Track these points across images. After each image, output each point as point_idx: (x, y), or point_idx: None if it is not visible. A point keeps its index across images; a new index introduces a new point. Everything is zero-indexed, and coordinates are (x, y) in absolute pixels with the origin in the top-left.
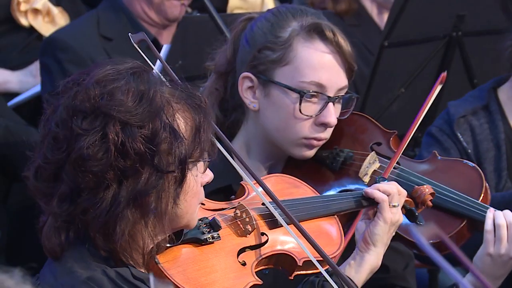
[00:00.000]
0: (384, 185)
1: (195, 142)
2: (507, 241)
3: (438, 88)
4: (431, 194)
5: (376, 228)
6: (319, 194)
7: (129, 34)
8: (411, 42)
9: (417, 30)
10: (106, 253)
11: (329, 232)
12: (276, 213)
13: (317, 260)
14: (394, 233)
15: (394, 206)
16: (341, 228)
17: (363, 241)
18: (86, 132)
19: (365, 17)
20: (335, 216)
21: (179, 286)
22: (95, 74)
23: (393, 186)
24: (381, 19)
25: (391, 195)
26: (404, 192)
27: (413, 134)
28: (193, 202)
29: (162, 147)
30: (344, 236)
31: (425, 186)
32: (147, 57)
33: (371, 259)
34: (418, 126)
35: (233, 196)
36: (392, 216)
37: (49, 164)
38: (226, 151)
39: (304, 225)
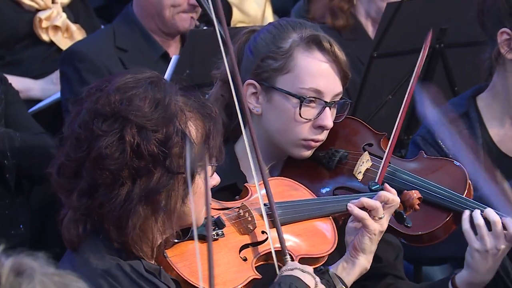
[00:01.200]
0: (370, 201)
1: (204, 148)
2: (490, 237)
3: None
4: (419, 198)
5: (364, 239)
6: (316, 197)
7: None
8: (398, 53)
9: (403, 42)
10: (119, 244)
11: (324, 232)
12: (265, 216)
13: (313, 258)
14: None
15: (380, 218)
16: (335, 228)
17: (353, 248)
18: (106, 134)
19: (361, 32)
20: (330, 217)
21: (186, 278)
22: (116, 82)
23: (377, 202)
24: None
25: (374, 210)
26: (398, 200)
27: (399, 137)
28: (200, 202)
29: (174, 150)
30: None
31: (413, 191)
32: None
33: (361, 264)
34: (404, 129)
35: (237, 197)
36: (379, 226)
37: (71, 162)
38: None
39: (301, 225)
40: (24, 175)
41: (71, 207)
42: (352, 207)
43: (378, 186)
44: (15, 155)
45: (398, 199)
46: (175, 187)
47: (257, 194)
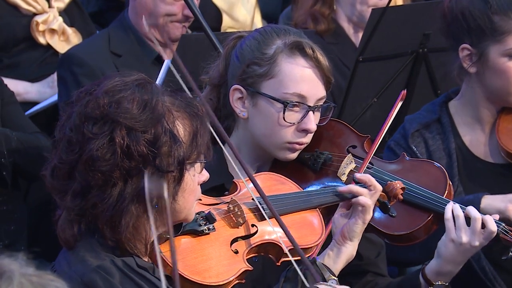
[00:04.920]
0: (365, 190)
1: (193, 145)
2: (468, 232)
3: (399, 104)
4: (402, 188)
5: (355, 227)
6: (302, 190)
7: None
8: (383, 57)
9: (388, 46)
10: (113, 243)
11: (311, 223)
12: (261, 208)
13: (302, 249)
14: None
15: None
16: (323, 220)
17: (341, 235)
18: (96, 136)
19: (343, 36)
20: (317, 209)
21: (179, 272)
22: (104, 85)
23: (367, 179)
24: (356, 37)
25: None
26: (380, 188)
27: (384, 138)
28: (190, 199)
29: (163, 150)
30: (326, 227)
31: (396, 181)
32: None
33: (348, 251)
34: (389, 131)
35: (226, 192)
36: (370, 216)
37: (63, 164)
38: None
39: (289, 217)
40: (20, 173)
41: (65, 208)
42: (359, 197)
43: None
44: (12, 154)
45: (378, 184)
46: (166, 185)
47: (246, 189)
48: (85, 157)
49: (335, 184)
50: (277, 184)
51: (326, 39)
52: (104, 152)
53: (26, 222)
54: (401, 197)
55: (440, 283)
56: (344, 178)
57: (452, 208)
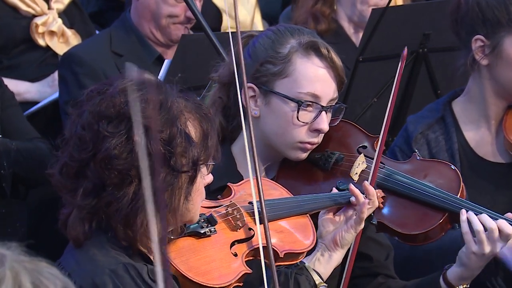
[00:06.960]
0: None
1: (203, 146)
2: (488, 242)
3: (402, 66)
4: (382, 197)
5: (347, 235)
6: (293, 196)
7: None
8: (383, 57)
9: (388, 46)
10: (126, 242)
11: (303, 229)
12: (256, 213)
13: (295, 253)
14: None
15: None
16: (313, 226)
17: (333, 242)
18: (112, 135)
19: (343, 36)
20: (307, 214)
21: (183, 273)
22: (118, 85)
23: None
24: (357, 37)
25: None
26: (377, 203)
27: (386, 139)
28: (198, 200)
29: (178, 150)
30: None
31: (377, 190)
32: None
33: (338, 258)
34: (391, 132)
35: (219, 196)
36: (362, 226)
37: (74, 162)
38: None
39: (282, 222)
40: (20, 181)
41: (75, 206)
42: (363, 207)
43: (346, 185)
44: (11, 165)
45: (376, 199)
46: (179, 185)
47: (240, 193)
48: (101, 155)
49: (341, 185)
50: (268, 189)
51: (326, 39)
52: (122, 150)
53: (26, 223)
54: (381, 205)
55: (462, 286)
56: (356, 177)
57: (468, 221)
